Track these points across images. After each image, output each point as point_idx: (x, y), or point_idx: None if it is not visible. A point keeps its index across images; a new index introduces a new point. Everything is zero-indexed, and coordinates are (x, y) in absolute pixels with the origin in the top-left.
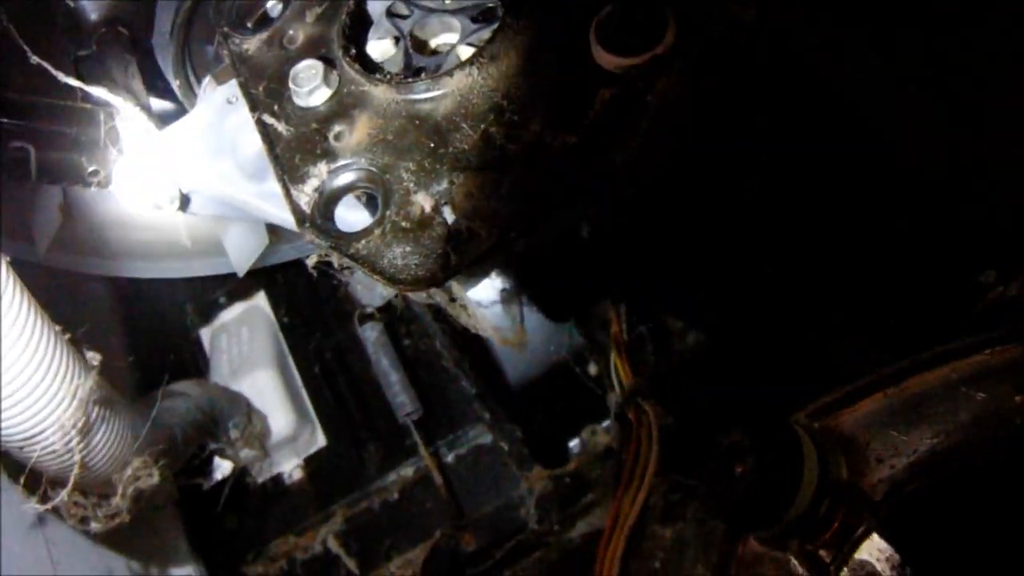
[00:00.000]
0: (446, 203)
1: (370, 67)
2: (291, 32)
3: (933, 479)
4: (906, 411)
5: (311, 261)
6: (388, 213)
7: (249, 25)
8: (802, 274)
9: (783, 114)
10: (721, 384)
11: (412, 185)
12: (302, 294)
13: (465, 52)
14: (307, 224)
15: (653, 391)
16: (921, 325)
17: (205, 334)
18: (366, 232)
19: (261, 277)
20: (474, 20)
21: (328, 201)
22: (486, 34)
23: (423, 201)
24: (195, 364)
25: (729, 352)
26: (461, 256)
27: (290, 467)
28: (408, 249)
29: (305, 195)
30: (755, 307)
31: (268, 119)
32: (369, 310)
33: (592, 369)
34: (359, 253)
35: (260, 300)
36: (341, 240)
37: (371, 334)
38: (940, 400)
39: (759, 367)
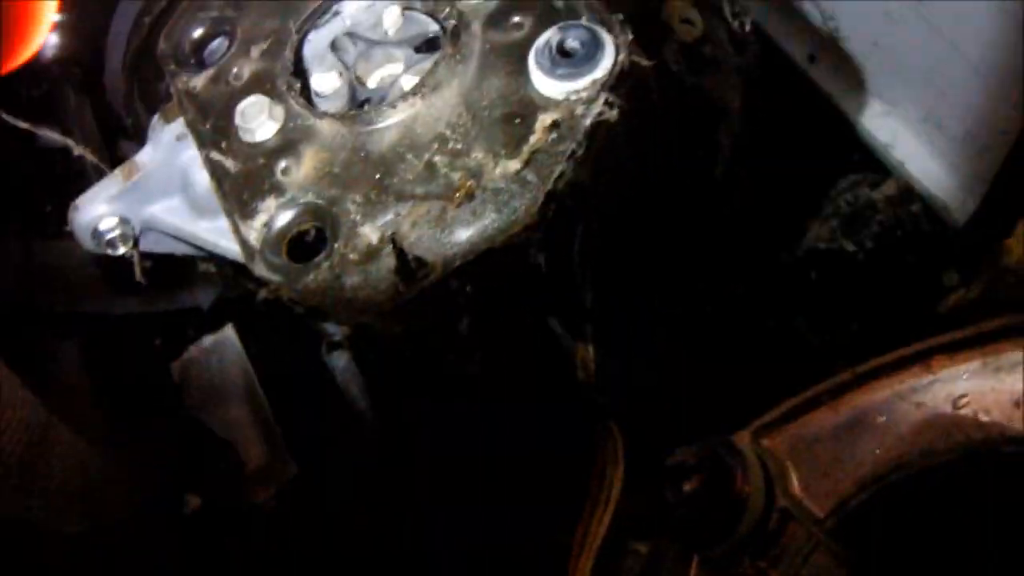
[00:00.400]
0: (393, 234)
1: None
2: (237, 68)
3: (878, 491)
4: (849, 425)
5: (260, 296)
6: (336, 246)
7: (195, 62)
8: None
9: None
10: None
11: (359, 217)
12: (270, 324)
13: (409, 83)
14: (256, 260)
15: (619, 410)
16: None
17: (175, 367)
18: (315, 266)
19: (229, 308)
20: (417, 50)
21: (277, 236)
22: (428, 64)
23: (370, 233)
24: (166, 398)
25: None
26: (410, 286)
27: (263, 497)
28: (357, 281)
29: (254, 230)
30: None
31: (216, 155)
32: (337, 338)
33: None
34: (308, 288)
35: (228, 331)
36: (290, 275)
37: (339, 362)
38: (881, 413)
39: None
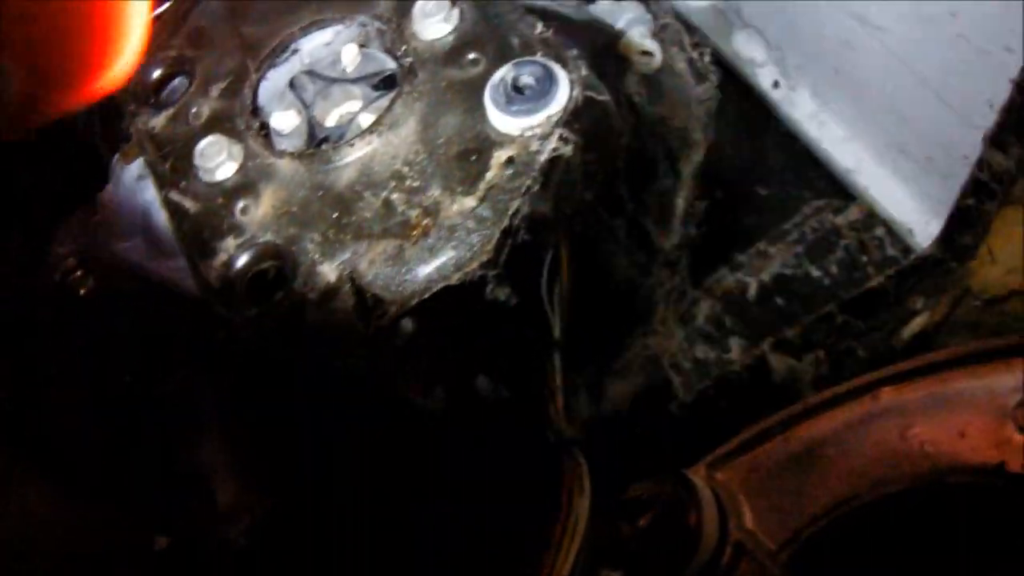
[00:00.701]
0: (351, 273)
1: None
2: (196, 108)
3: (830, 523)
4: (800, 457)
5: (219, 336)
6: (295, 285)
7: (155, 102)
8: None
9: None
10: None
11: (318, 256)
12: (243, 358)
13: (367, 120)
14: (215, 300)
15: (587, 441)
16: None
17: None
18: (274, 306)
19: (201, 343)
20: (375, 88)
21: (237, 276)
22: (386, 102)
23: (328, 272)
24: (138, 435)
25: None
26: (368, 325)
27: (236, 533)
28: (315, 321)
29: (214, 270)
30: None
31: (175, 196)
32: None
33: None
34: (267, 327)
35: (202, 366)
36: (249, 315)
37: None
38: (831, 445)
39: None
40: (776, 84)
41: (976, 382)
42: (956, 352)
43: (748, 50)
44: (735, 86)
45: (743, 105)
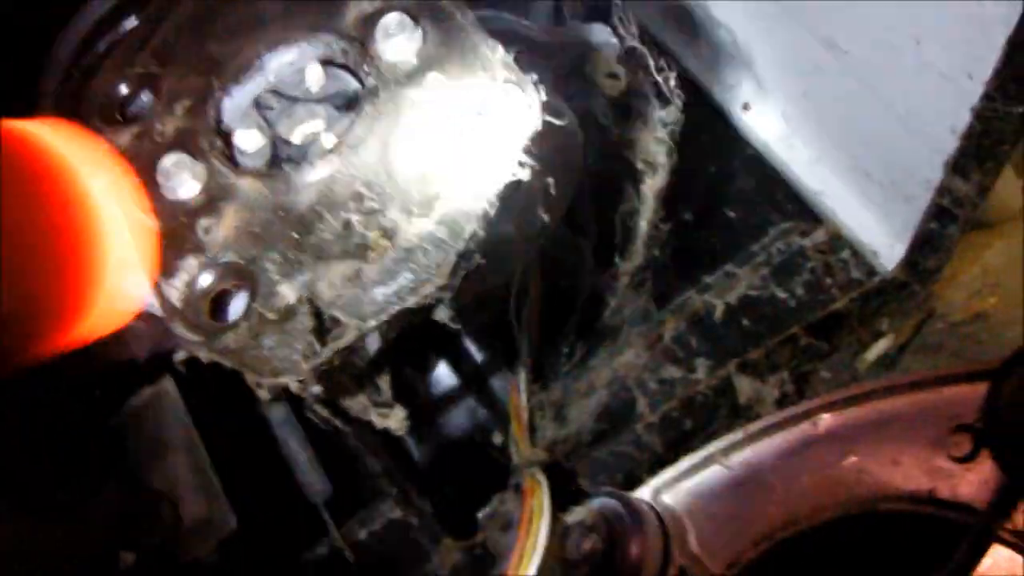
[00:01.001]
0: (310, 293)
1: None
2: (161, 125)
3: (771, 548)
4: (742, 482)
5: (179, 357)
6: (254, 306)
7: (120, 119)
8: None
9: None
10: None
11: (277, 276)
12: (208, 376)
13: (329, 141)
14: (176, 319)
15: (550, 461)
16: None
17: (113, 421)
18: (234, 326)
19: (167, 361)
20: (339, 109)
21: (199, 295)
22: (348, 122)
23: (288, 292)
24: (104, 453)
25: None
26: (326, 346)
27: (204, 551)
28: (275, 340)
29: (176, 290)
30: None
31: (138, 214)
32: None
33: (497, 439)
34: (228, 347)
35: (167, 384)
36: (209, 334)
37: (277, 414)
38: (772, 470)
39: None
40: (746, 106)
41: (913, 410)
42: (895, 381)
43: (719, 71)
44: (705, 107)
45: (713, 126)
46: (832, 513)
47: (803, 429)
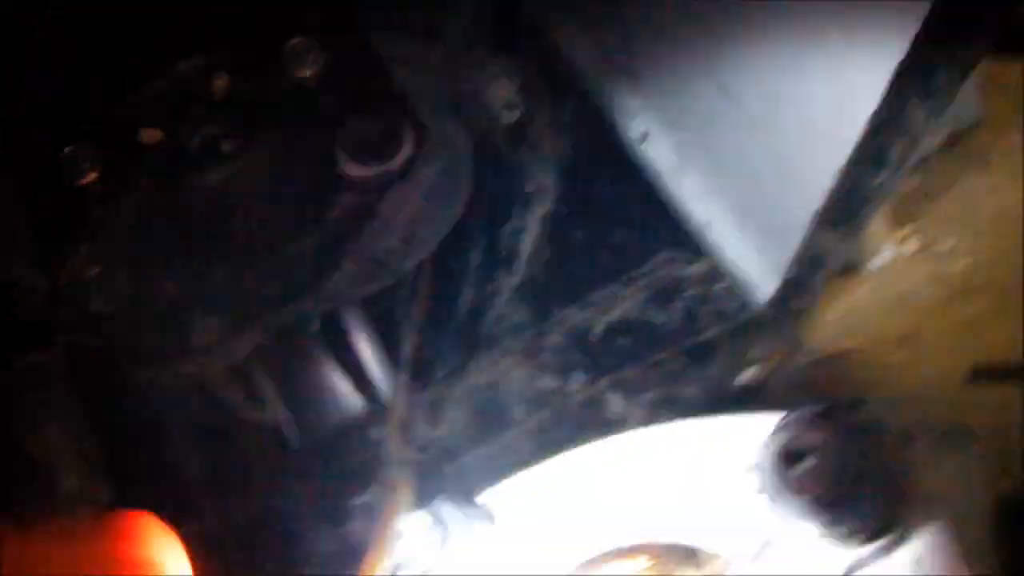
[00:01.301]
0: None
1: None
2: None
3: None
4: None
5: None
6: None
7: None
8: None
9: None
10: None
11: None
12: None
13: (227, 149)
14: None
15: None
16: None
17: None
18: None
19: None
20: (241, 120)
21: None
22: (245, 135)
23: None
24: None
25: None
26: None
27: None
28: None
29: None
30: None
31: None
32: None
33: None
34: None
35: (54, 351)
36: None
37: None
38: None
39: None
40: (644, 136)
41: None
42: None
43: (622, 101)
44: (603, 135)
45: (610, 155)
46: None
47: None
